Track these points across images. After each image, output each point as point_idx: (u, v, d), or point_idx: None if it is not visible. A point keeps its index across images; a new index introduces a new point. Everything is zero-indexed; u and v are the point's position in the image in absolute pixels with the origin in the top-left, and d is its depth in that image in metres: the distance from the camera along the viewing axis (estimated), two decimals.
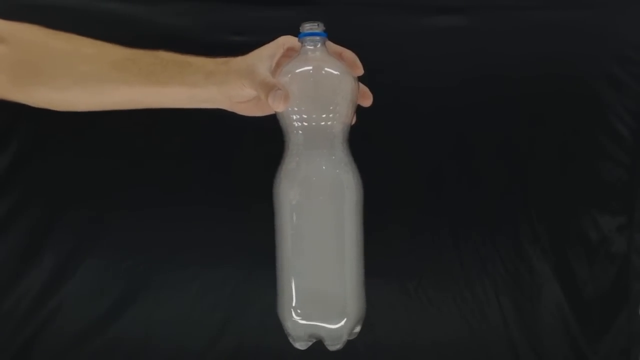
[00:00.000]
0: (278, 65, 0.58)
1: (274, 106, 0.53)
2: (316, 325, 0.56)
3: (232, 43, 0.81)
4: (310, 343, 0.57)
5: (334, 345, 0.57)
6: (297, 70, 0.56)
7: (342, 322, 0.56)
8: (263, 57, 0.58)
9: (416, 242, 0.85)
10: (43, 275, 0.83)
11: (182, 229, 0.83)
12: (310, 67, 0.56)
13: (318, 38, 0.57)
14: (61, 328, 0.84)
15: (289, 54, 0.59)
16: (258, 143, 0.76)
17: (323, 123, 0.56)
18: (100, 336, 0.84)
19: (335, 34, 0.59)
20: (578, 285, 0.86)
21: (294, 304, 0.56)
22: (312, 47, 0.57)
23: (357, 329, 0.58)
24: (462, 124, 0.84)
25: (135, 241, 0.83)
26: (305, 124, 0.55)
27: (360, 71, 0.58)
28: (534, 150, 0.85)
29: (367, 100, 0.59)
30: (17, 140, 0.82)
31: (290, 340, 0.58)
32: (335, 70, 0.56)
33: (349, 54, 0.58)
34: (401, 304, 0.85)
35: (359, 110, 0.60)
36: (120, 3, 0.81)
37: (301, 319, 0.56)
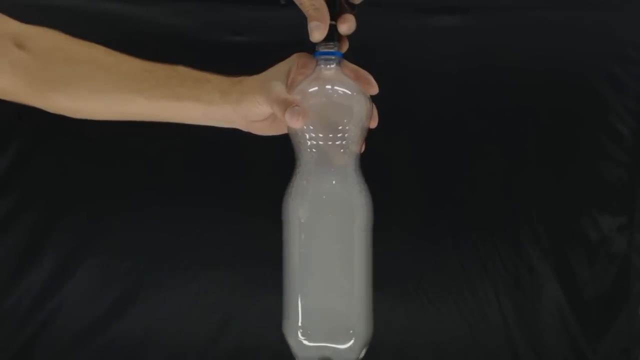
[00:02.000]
0: (293, 82, 0.58)
1: (291, 123, 0.53)
2: (324, 346, 0.54)
3: (232, 43, 0.81)
4: None
5: None
6: (312, 90, 0.55)
7: (351, 343, 0.54)
8: (278, 74, 0.57)
9: (416, 243, 0.85)
10: (43, 275, 0.83)
11: (182, 230, 0.83)
12: (325, 87, 0.56)
13: (333, 57, 0.56)
14: (61, 328, 0.84)
15: (303, 71, 0.58)
16: (260, 146, 0.76)
17: (337, 142, 0.55)
18: (100, 336, 0.84)
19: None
20: (578, 285, 0.86)
21: (300, 324, 0.54)
22: (326, 66, 0.57)
23: (364, 351, 0.57)
24: (462, 124, 0.84)
25: (135, 242, 0.83)
26: (320, 142, 0.55)
27: (375, 90, 0.58)
28: (534, 151, 0.85)
29: (373, 122, 0.59)
30: (17, 141, 0.82)
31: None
32: (350, 91, 0.56)
33: (363, 74, 0.58)
34: (401, 304, 0.85)
35: None
36: (120, 3, 0.81)
37: (308, 340, 0.54)
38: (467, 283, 0.86)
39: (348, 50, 0.58)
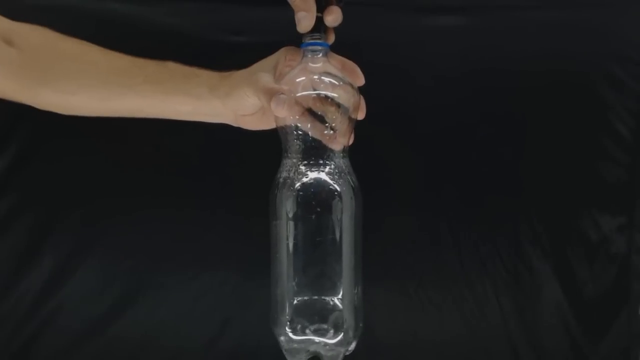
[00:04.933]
0: (280, 74, 0.58)
1: (277, 111, 0.53)
2: (311, 340, 0.54)
3: (232, 43, 0.81)
4: (306, 358, 0.56)
5: None
6: (298, 80, 0.56)
7: (340, 337, 0.55)
8: (265, 66, 0.58)
9: (416, 242, 0.85)
10: (43, 275, 0.83)
11: (182, 230, 0.83)
12: (311, 77, 0.56)
13: (320, 48, 0.56)
14: (61, 328, 0.83)
15: (291, 63, 0.59)
16: (258, 144, 0.76)
17: (324, 133, 0.55)
18: (100, 336, 0.84)
19: (335, 34, 0.59)
20: (578, 285, 0.86)
21: (288, 318, 0.55)
22: (313, 57, 0.57)
23: (353, 344, 0.57)
24: (462, 123, 0.84)
25: (135, 242, 0.83)
26: (307, 133, 0.55)
27: (361, 81, 0.58)
28: (534, 150, 0.85)
29: (361, 113, 0.59)
30: (16, 141, 0.82)
31: (286, 355, 0.57)
32: (337, 81, 0.56)
33: (350, 64, 0.58)
34: (401, 304, 0.85)
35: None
36: (120, 3, 0.81)
37: (295, 334, 0.55)
38: (467, 283, 0.86)
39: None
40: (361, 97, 0.58)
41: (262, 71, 0.57)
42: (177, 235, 0.83)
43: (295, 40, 0.59)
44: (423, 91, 0.83)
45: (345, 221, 0.55)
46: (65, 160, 0.82)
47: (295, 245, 0.55)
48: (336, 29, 0.59)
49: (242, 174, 0.83)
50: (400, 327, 0.85)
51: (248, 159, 0.82)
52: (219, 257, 0.84)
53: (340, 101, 0.56)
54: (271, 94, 0.53)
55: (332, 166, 0.56)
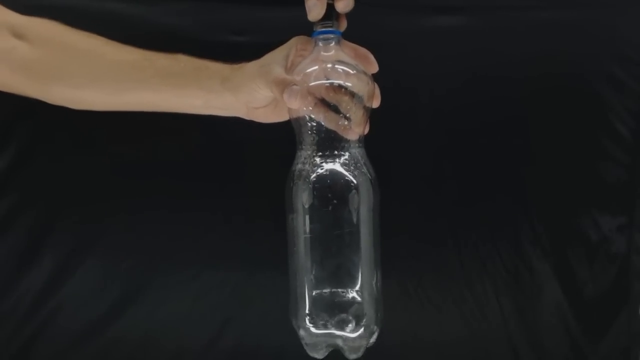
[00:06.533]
0: (292, 65, 0.57)
1: (289, 103, 0.52)
2: (332, 333, 0.53)
3: (232, 43, 0.81)
4: (327, 352, 0.55)
5: (352, 354, 0.55)
6: (310, 69, 0.55)
7: (361, 331, 0.54)
8: (277, 57, 0.57)
9: (416, 242, 0.85)
10: (43, 275, 0.83)
11: (182, 230, 0.83)
12: (324, 66, 0.55)
13: (332, 36, 0.55)
14: (61, 328, 0.84)
15: (303, 53, 0.58)
16: (259, 144, 0.76)
17: (339, 123, 0.55)
18: (100, 336, 0.84)
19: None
20: (578, 285, 0.86)
21: (307, 312, 0.54)
22: (325, 46, 0.56)
23: (374, 337, 0.56)
24: (462, 123, 0.84)
25: (135, 242, 0.83)
26: (319, 123, 0.54)
27: (375, 68, 0.57)
28: (534, 150, 0.85)
29: (375, 101, 0.58)
30: (16, 141, 0.82)
31: (306, 349, 0.56)
32: (350, 69, 0.55)
33: (362, 51, 0.57)
34: (401, 304, 0.85)
35: None
36: (120, 3, 0.80)
37: (316, 327, 0.54)
38: (467, 283, 0.86)
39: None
40: (375, 84, 0.57)
41: (273, 62, 0.56)
42: (178, 235, 0.83)
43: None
44: (424, 91, 0.83)
45: (362, 211, 0.54)
46: (65, 160, 0.82)
47: (312, 238, 0.54)
48: None
49: (242, 174, 0.83)
50: (400, 327, 0.85)
51: (248, 159, 0.82)
52: (219, 257, 0.84)
53: (354, 90, 0.55)
54: (283, 86, 0.52)
55: (348, 157, 0.55)
